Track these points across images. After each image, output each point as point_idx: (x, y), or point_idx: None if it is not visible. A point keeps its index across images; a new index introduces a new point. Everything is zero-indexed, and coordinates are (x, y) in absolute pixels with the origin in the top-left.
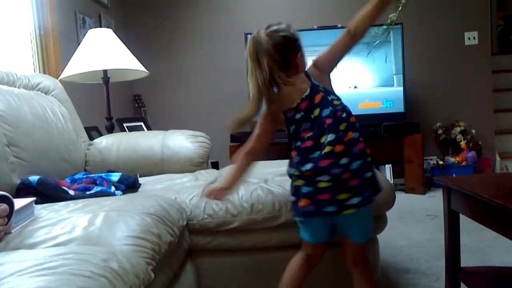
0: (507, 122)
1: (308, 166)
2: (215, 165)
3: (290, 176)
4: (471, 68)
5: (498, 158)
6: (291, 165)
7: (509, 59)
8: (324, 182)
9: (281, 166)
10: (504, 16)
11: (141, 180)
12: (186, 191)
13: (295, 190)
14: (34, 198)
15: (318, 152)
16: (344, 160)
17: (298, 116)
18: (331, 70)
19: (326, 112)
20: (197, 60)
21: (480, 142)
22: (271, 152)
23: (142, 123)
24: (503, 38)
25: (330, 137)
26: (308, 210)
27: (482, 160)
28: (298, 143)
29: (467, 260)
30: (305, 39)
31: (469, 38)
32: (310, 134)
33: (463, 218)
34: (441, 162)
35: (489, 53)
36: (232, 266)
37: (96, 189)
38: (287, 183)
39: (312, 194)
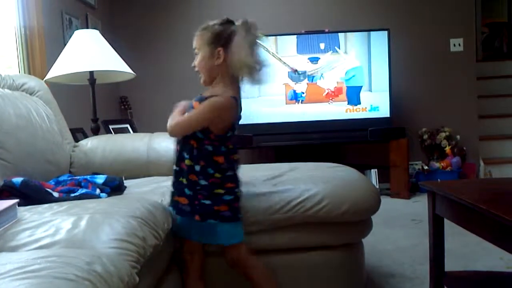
0: (491, 128)
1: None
2: None
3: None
4: (456, 75)
5: (482, 164)
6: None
7: (493, 66)
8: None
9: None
10: (489, 24)
11: (126, 182)
12: None
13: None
14: (17, 200)
15: None
16: None
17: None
18: None
19: None
20: (185, 62)
21: (464, 148)
22: (258, 155)
23: (128, 125)
24: (487, 45)
25: None
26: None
27: (467, 165)
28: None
29: (451, 265)
30: (292, 43)
31: (454, 45)
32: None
33: (447, 223)
34: (426, 167)
35: (474, 60)
36: (217, 269)
37: (81, 191)
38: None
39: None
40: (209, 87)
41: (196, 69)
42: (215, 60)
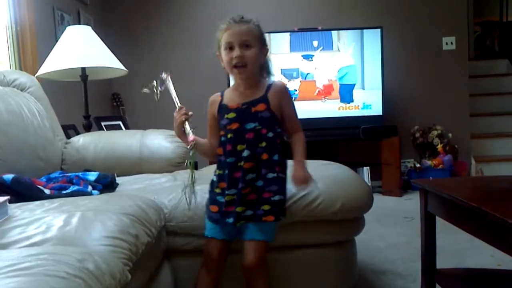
0: (482, 126)
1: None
2: (194, 166)
3: None
4: (448, 73)
5: (473, 162)
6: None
7: (485, 65)
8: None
9: None
10: (480, 22)
11: (118, 179)
12: (165, 191)
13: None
14: (8, 197)
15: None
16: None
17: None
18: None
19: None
20: (177, 59)
21: (456, 146)
22: None
23: (120, 122)
24: (479, 43)
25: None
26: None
27: (458, 163)
28: None
29: (443, 262)
30: (285, 40)
31: (446, 43)
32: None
33: (439, 221)
34: (418, 165)
35: (466, 58)
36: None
37: (73, 188)
38: None
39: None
40: (242, 81)
41: (244, 60)
42: (262, 57)
